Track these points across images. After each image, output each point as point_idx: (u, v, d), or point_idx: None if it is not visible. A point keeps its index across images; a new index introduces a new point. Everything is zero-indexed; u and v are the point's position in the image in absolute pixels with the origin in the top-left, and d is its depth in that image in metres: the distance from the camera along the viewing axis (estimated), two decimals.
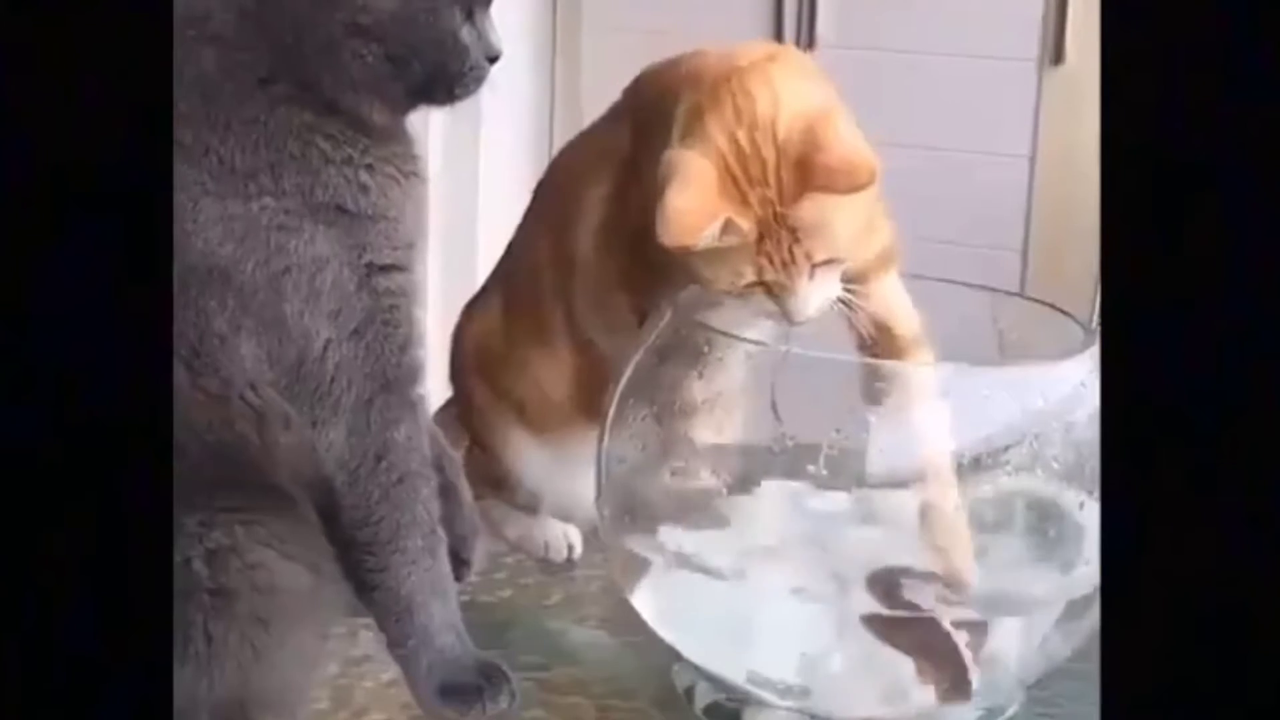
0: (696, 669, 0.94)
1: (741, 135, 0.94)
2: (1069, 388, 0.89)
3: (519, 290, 1.18)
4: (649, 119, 1.03)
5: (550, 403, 1.15)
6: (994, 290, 1.03)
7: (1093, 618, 0.87)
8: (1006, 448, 0.90)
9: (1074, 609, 0.88)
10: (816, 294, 0.96)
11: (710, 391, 0.96)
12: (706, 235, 0.93)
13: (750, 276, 0.95)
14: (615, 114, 1.13)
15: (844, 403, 0.91)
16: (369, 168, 0.81)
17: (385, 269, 0.81)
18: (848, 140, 0.93)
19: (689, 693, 0.96)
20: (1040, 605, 0.90)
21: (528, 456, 1.17)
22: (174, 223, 0.75)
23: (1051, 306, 0.98)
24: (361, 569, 0.84)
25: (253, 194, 0.78)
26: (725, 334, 0.92)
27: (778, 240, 0.94)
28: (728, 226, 0.93)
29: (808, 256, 0.94)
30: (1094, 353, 0.89)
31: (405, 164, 0.83)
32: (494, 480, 1.18)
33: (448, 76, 0.81)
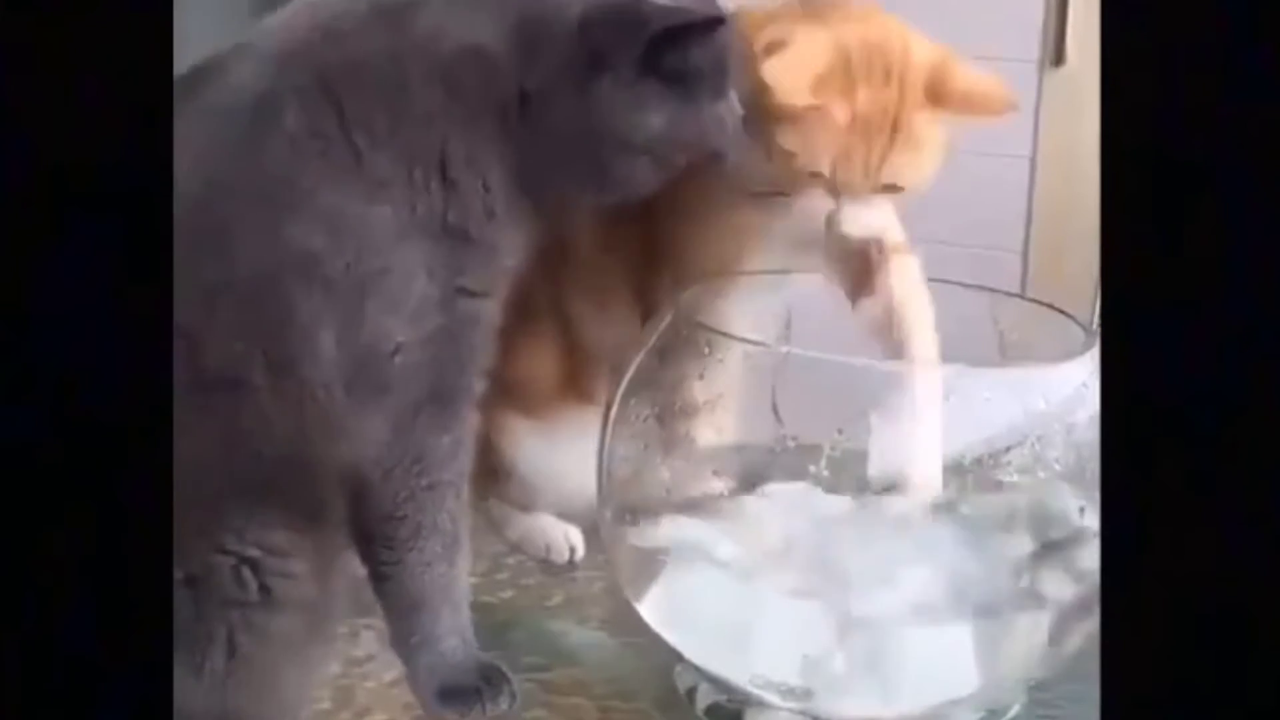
0: (698, 670, 0.94)
1: (870, 32, 1.00)
2: (1070, 389, 0.89)
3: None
4: None
5: (537, 383, 1.16)
6: (994, 291, 1.03)
7: (1095, 620, 0.87)
8: (1008, 449, 0.90)
9: (1076, 610, 0.88)
10: (871, 214, 1.01)
11: (712, 392, 0.96)
12: (808, 87, 0.97)
13: (824, 166, 0.99)
14: None
15: (845, 404, 0.91)
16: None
17: (474, 294, 0.82)
18: (979, 74, 1.01)
19: (691, 694, 0.95)
20: (1042, 606, 0.90)
21: (520, 441, 1.17)
22: (272, 212, 0.77)
23: (1052, 308, 0.97)
24: (376, 560, 0.84)
25: (379, 199, 0.78)
26: (726, 335, 0.92)
27: (870, 144, 0.98)
28: (824, 111, 0.97)
29: (893, 172, 0.99)
30: (1095, 354, 0.88)
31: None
32: (491, 472, 1.19)
33: (712, 158, 0.86)
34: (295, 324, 0.78)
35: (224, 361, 0.76)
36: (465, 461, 0.85)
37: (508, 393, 1.16)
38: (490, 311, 0.84)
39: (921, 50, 1.02)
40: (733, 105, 0.86)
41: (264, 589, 0.79)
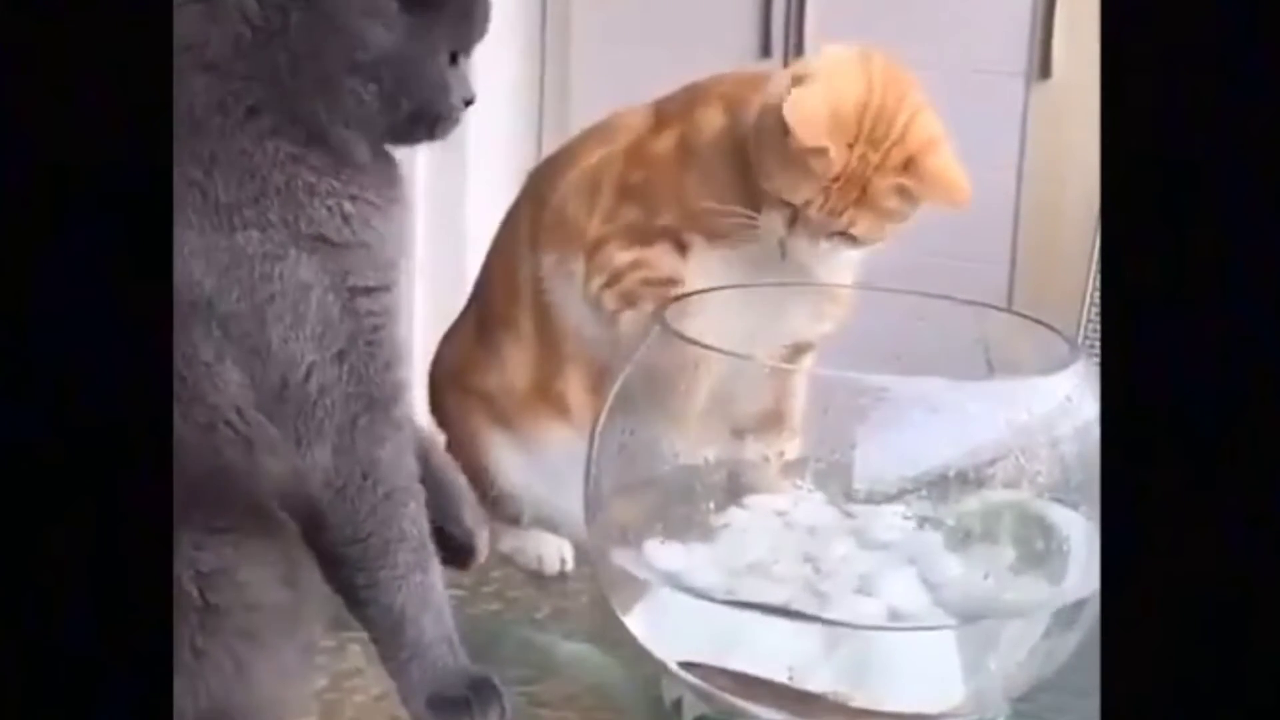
0: (684, 682, 0.94)
1: (890, 96, 1.08)
2: (1054, 402, 0.89)
3: (490, 288, 1.23)
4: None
5: (515, 391, 1.18)
6: (980, 304, 1.03)
7: (1080, 631, 0.88)
8: (992, 461, 0.90)
9: (1061, 622, 0.88)
10: (818, 258, 1.10)
11: (697, 407, 0.96)
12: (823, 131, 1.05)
13: (801, 199, 1.07)
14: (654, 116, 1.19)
15: (830, 417, 0.91)
16: (352, 198, 0.81)
17: (369, 291, 0.81)
18: (956, 165, 1.09)
19: (677, 705, 0.95)
20: (1027, 618, 0.90)
21: (501, 456, 1.19)
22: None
23: (1038, 321, 0.98)
24: (352, 586, 0.83)
25: (237, 226, 0.77)
26: (712, 349, 0.92)
27: (842, 194, 1.06)
28: (824, 153, 1.05)
29: (850, 222, 1.08)
30: (1079, 367, 0.89)
31: (387, 191, 0.84)
32: (475, 489, 1.19)
33: (431, 116, 0.82)
34: (199, 361, 0.77)
35: None
36: (413, 465, 0.84)
37: (487, 405, 1.17)
38: (395, 304, 0.83)
39: (922, 127, 1.09)
40: (466, 80, 0.83)
41: (204, 597, 0.78)
